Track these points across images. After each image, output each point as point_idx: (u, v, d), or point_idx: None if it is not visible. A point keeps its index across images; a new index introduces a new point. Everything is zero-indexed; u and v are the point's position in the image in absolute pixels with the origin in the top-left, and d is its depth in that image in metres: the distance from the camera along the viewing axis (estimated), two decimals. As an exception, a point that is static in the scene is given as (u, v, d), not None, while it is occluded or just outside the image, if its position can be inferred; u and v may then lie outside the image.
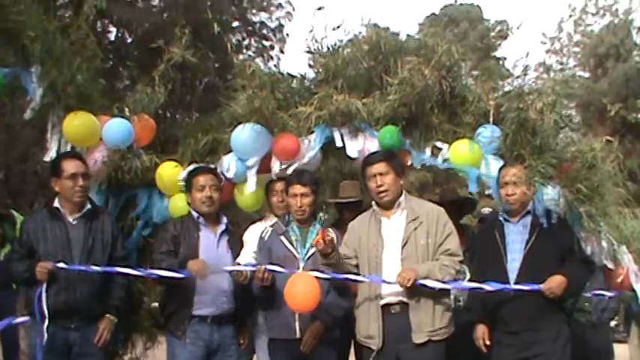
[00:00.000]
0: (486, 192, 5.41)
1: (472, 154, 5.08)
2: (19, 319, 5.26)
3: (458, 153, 5.13)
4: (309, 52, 5.44)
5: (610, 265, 4.90)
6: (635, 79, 18.79)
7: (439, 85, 5.09)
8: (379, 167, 4.87)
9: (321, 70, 5.41)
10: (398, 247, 4.80)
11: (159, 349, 5.72)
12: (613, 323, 11.48)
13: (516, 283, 4.80)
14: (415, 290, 4.69)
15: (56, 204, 5.04)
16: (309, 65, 5.54)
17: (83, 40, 5.49)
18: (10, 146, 12.71)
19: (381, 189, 4.85)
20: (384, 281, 4.71)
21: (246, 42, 17.55)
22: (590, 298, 5.56)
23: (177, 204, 5.37)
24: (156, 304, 5.70)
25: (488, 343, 4.92)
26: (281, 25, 18.16)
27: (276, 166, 5.34)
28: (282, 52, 17.87)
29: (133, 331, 5.58)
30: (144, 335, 5.71)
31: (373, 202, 4.96)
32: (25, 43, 5.23)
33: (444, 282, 4.67)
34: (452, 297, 5.69)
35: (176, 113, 5.51)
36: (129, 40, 16.78)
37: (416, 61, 5.06)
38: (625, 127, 5.25)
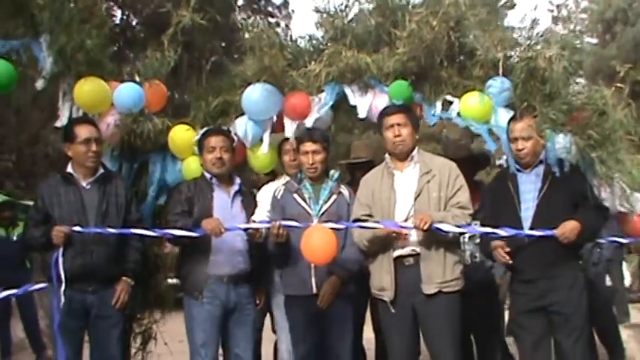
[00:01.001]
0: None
1: (482, 107, 5.07)
2: (37, 286, 5.31)
3: (468, 106, 5.12)
4: (317, 11, 5.43)
5: (624, 210, 4.89)
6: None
7: (447, 37, 5.09)
8: (398, 118, 4.88)
9: (329, 28, 5.40)
10: (410, 200, 4.82)
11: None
12: (627, 282, 11.54)
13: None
14: (427, 240, 4.71)
15: (69, 169, 5.07)
16: (317, 25, 5.54)
17: (91, 7, 5.51)
18: (20, 129, 12.79)
19: (399, 139, 4.86)
20: (400, 226, 4.71)
21: (251, 20, 17.45)
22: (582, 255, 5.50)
23: (191, 167, 5.39)
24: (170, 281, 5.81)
25: (508, 250, 4.85)
26: (286, 2, 18.13)
27: (288, 126, 5.35)
28: (287, 27, 17.83)
29: (150, 295, 5.61)
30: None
31: (386, 155, 4.97)
32: (34, 12, 5.26)
33: (458, 226, 4.68)
34: (468, 253, 5.75)
35: (187, 78, 5.53)
36: (134, 22, 16.81)
37: (424, 13, 5.05)
38: (635, 91, 5.19)
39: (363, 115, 5.32)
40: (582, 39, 5.15)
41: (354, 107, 5.34)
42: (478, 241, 5.87)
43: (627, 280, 11.45)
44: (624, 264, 10.75)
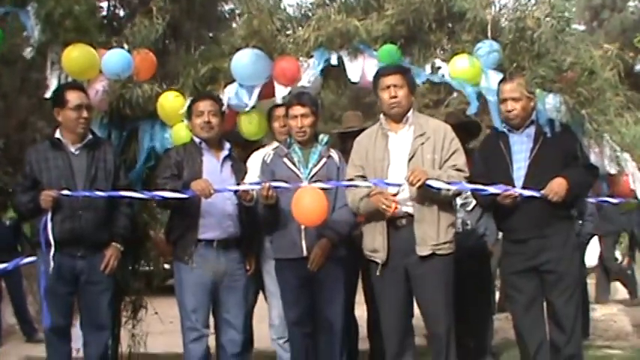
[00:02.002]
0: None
1: (471, 69, 5.07)
2: (27, 259, 5.29)
3: (457, 68, 5.13)
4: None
5: (613, 171, 4.90)
6: (632, 29, 18.75)
7: (436, -1, 5.10)
8: (394, 79, 4.84)
9: (317, -7, 5.41)
10: (404, 162, 4.79)
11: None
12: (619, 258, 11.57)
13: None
14: (420, 201, 4.69)
15: (57, 135, 5.04)
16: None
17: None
18: (7, 115, 12.70)
19: (394, 100, 4.82)
20: (390, 184, 4.70)
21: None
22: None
23: (180, 134, 5.38)
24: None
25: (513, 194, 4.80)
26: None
27: (278, 91, 5.34)
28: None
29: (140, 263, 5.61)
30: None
31: (381, 116, 4.95)
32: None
33: (449, 183, 4.66)
34: (459, 220, 5.76)
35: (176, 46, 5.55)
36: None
37: (411, -25, 5.06)
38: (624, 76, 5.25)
39: (355, 79, 5.31)
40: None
41: (345, 73, 5.33)
42: (470, 208, 5.90)
43: (618, 257, 11.51)
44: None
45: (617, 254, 11.13)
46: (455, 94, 7.34)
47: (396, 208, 4.65)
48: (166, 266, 6.11)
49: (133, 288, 5.66)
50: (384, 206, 4.65)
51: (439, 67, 5.23)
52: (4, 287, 9.31)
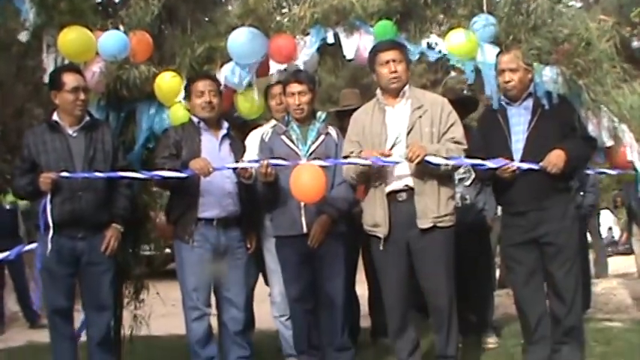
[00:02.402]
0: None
1: (468, 43, 5.06)
2: (29, 246, 5.29)
3: (453, 43, 5.11)
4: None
5: (608, 144, 4.90)
6: (628, 4, 18.65)
7: (431, -27, 5.09)
8: (393, 54, 4.84)
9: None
10: (403, 135, 4.80)
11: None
12: (617, 236, 11.64)
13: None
14: (420, 174, 4.70)
15: (55, 117, 5.02)
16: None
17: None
18: (4, 103, 12.71)
19: (394, 75, 4.82)
20: (388, 162, 4.70)
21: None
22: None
23: (177, 114, 5.36)
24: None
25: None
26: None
27: (274, 69, 5.34)
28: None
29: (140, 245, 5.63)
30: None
31: (378, 91, 4.95)
32: (14, -39, 5.22)
33: (448, 158, 4.67)
34: (458, 195, 5.77)
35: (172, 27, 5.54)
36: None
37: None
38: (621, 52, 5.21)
39: (350, 56, 5.31)
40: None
41: (341, 51, 5.33)
42: (468, 183, 5.92)
43: (616, 234, 11.57)
44: (613, 218, 10.85)
45: (616, 229, 11.20)
46: (453, 74, 7.33)
47: (389, 154, 4.69)
48: (167, 250, 6.14)
49: (134, 272, 5.65)
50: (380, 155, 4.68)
51: (435, 44, 5.21)
52: (6, 274, 9.36)
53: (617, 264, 10.90)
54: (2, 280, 9.35)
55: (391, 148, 4.73)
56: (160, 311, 6.06)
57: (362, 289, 6.27)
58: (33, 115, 12.48)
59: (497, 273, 7.95)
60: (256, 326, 6.08)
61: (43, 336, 5.52)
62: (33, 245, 5.18)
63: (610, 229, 10.82)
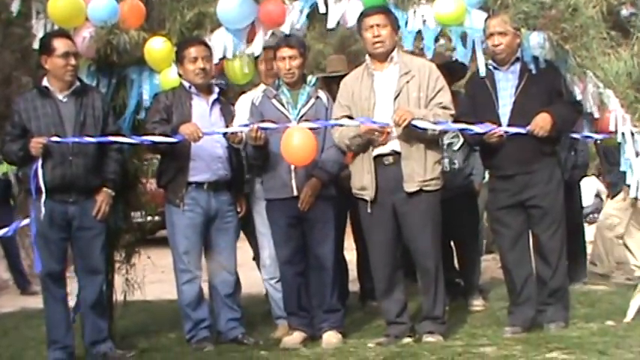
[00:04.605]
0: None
1: (456, 8, 5.08)
2: (24, 222, 5.31)
3: (441, 9, 5.12)
4: None
5: (596, 114, 4.95)
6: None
7: None
8: (377, 18, 4.89)
9: None
10: (390, 100, 4.85)
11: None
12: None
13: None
14: (407, 138, 4.77)
15: (45, 83, 5.04)
16: None
17: None
18: (-9, 71, 12.64)
19: (378, 39, 4.86)
20: (376, 122, 4.77)
21: None
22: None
23: (168, 78, 5.38)
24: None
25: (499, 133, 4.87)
26: None
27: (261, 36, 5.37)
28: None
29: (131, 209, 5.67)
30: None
31: (366, 56, 5.00)
32: None
33: (435, 123, 4.73)
34: (446, 160, 5.83)
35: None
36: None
37: None
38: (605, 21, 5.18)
39: (331, 25, 5.32)
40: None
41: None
42: (457, 148, 5.97)
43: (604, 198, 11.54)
44: (599, 185, 10.86)
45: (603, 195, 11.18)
46: (441, 41, 7.34)
47: (388, 133, 4.75)
48: (157, 218, 6.19)
49: (125, 238, 5.69)
50: (376, 133, 4.74)
51: (424, 20, 5.21)
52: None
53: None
54: (-7, 248, 9.38)
55: None
56: (151, 278, 6.12)
57: (350, 254, 6.35)
58: (21, 84, 12.41)
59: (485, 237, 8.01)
60: (244, 290, 6.12)
61: (34, 302, 5.57)
62: (27, 221, 5.19)
63: (597, 195, 10.80)
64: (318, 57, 15.45)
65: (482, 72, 5.07)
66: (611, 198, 7.43)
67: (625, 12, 11.65)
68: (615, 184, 7.15)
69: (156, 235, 8.33)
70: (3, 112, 12.97)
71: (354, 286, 6.60)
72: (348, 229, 6.14)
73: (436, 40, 5.48)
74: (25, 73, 12.12)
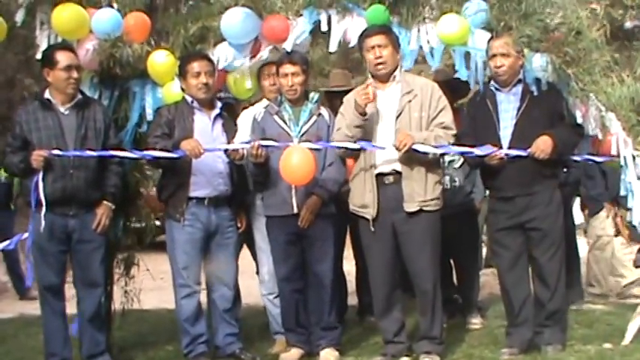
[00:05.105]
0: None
1: (460, 28, 5.08)
2: (26, 234, 5.32)
3: (445, 28, 5.12)
4: None
5: (599, 136, 4.94)
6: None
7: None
8: (378, 39, 4.89)
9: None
10: (392, 120, 4.86)
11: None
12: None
13: (509, 149, 4.88)
14: (408, 159, 4.77)
15: (47, 95, 5.05)
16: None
17: None
18: (-6, 74, 12.66)
19: (380, 60, 4.88)
20: (377, 147, 4.80)
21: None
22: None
23: (171, 92, 5.38)
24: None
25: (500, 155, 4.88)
26: None
27: (266, 50, 5.37)
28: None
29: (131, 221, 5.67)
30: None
31: (369, 75, 5.00)
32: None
33: (436, 147, 4.75)
34: (447, 178, 5.83)
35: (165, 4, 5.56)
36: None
37: None
38: (613, 34, 5.18)
39: (333, 49, 5.35)
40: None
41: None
42: (458, 165, 5.97)
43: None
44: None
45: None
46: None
47: (374, 95, 4.77)
48: (157, 223, 6.18)
49: (124, 244, 5.70)
50: (363, 97, 4.75)
51: (428, 40, 5.22)
52: (-5, 245, 9.35)
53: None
54: (-8, 251, 9.37)
55: None
56: (150, 285, 6.11)
57: (349, 265, 6.34)
58: (24, 86, 12.44)
59: (484, 251, 8.00)
60: (244, 301, 6.12)
61: (33, 308, 5.58)
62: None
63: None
64: (320, 62, 15.42)
65: (481, 89, 5.09)
66: (591, 216, 7.37)
67: (629, 24, 11.63)
68: (596, 200, 7.12)
69: (156, 239, 8.34)
70: (5, 115, 13.02)
71: (352, 299, 6.60)
72: (348, 240, 6.14)
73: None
74: (29, 76, 12.13)
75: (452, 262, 6.25)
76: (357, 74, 9.02)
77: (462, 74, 5.23)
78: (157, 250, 5.96)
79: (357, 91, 4.83)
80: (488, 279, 7.78)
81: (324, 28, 5.26)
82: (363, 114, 4.80)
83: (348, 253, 6.20)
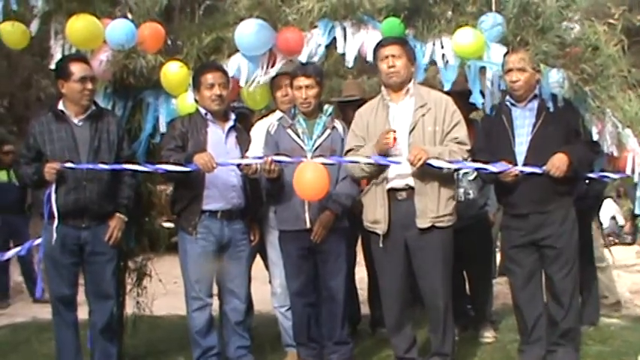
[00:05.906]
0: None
1: (476, 42, 5.05)
2: (38, 240, 5.34)
3: (460, 42, 5.08)
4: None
5: (615, 153, 4.88)
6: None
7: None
8: (393, 49, 4.87)
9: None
10: (405, 133, 4.82)
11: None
12: (621, 222, 11.56)
13: (524, 165, 4.83)
14: (421, 174, 4.74)
15: (60, 107, 5.05)
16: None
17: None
18: (11, 74, 12.74)
19: (392, 70, 4.85)
20: (390, 161, 4.76)
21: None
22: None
23: (185, 103, 5.37)
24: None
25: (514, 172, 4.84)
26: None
27: (280, 63, 5.35)
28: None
29: (144, 233, 5.67)
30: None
31: (382, 88, 4.98)
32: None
33: (450, 162, 4.71)
34: (462, 190, 5.79)
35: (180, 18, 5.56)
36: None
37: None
38: (630, 37, 5.10)
39: (350, 64, 5.31)
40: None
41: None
42: (472, 178, 5.92)
43: (620, 221, 11.46)
44: (616, 207, 10.78)
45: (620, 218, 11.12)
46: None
47: (394, 139, 4.73)
48: (169, 225, 6.17)
49: (137, 249, 5.71)
50: (385, 142, 4.72)
51: (443, 54, 5.19)
52: (12, 247, 9.41)
53: (617, 254, 10.79)
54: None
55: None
56: (162, 290, 6.10)
57: (362, 272, 6.29)
58: (40, 87, 12.50)
59: (498, 259, 7.95)
60: (257, 308, 6.10)
61: (47, 312, 5.58)
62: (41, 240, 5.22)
63: (613, 217, 10.73)
64: (336, 63, 15.40)
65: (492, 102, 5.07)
66: None
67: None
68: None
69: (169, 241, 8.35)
70: (21, 115, 13.13)
71: (365, 308, 6.57)
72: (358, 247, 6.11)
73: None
74: (45, 77, 12.19)
75: (465, 273, 6.21)
76: (372, 75, 8.97)
77: (477, 99, 5.20)
78: (171, 253, 5.93)
79: (380, 135, 4.77)
80: (501, 288, 7.72)
81: (339, 48, 5.24)
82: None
83: (360, 259, 6.16)
